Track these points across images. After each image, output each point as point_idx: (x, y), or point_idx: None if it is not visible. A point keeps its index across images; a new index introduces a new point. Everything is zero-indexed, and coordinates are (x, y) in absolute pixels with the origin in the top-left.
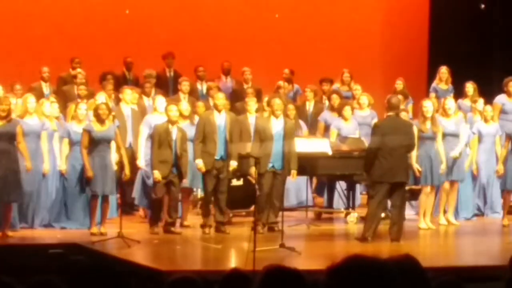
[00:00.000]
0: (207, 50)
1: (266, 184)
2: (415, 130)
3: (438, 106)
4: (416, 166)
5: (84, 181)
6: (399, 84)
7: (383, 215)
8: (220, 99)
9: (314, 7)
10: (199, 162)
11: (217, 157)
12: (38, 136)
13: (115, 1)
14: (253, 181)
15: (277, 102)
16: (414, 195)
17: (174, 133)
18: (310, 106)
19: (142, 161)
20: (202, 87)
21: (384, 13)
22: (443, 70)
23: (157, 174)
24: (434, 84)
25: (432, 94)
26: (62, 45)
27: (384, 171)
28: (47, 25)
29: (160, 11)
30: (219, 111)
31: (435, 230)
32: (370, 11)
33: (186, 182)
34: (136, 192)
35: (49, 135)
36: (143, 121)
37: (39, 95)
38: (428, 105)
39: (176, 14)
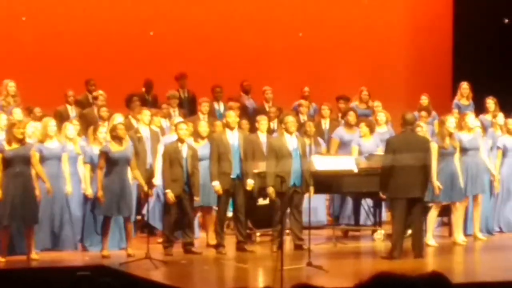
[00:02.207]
0: (227, 69)
1: (287, 202)
2: (433, 146)
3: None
4: (436, 183)
5: (97, 202)
6: (424, 100)
7: (409, 231)
8: (232, 117)
9: (338, 26)
10: (216, 184)
11: (233, 176)
12: (59, 159)
13: (138, 23)
14: (275, 200)
15: (290, 120)
16: (444, 211)
17: (185, 152)
18: (326, 124)
19: (158, 180)
20: (219, 107)
21: (408, 30)
22: (465, 86)
23: (170, 194)
24: (456, 100)
25: (455, 110)
26: (84, 67)
27: (398, 187)
28: (69, 47)
29: (180, 31)
30: (232, 129)
31: (467, 245)
32: (394, 28)
33: (198, 201)
34: (149, 211)
35: (72, 158)
36: (161, 141)
37: (65, 119)
38: (452, 121)
39: (196, 33)
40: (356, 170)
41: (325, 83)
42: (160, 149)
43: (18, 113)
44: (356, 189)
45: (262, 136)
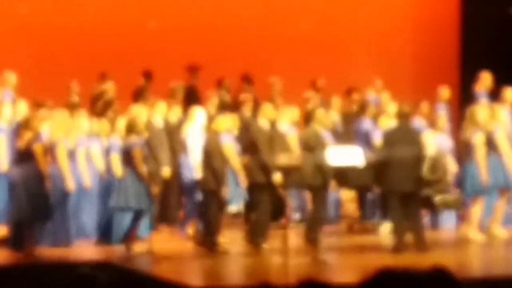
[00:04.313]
0: (231, 61)
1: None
2: (428, 138)
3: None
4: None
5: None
6: (445, 92)
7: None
8: (271, 110)
9: (342, 16)
10: (278, 177)
11: None
12: (74, 153)
13: (139, 14)
14: (283, 194)
15: (322, 113)
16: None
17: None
18: (335, 116)
19: (194, 173)
20: (228, 99)
21: (415, 21)
22: (487, 76)
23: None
24: (480, 90)
25: (484, 100)
26: (86, 59)
27: (392, 181)
28: (74, 41)
29: (183, 23)
30: (271, 122)
31: (482, 240)
32: (401, 19)
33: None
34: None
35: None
36: (188, 134)
37: (75, 110)
38: (483, 113)
39: (199, 25)
40: (363, 163)
41: (333, 75)
42: (190, 142)
43: (23, 106)
44: (362, 182)
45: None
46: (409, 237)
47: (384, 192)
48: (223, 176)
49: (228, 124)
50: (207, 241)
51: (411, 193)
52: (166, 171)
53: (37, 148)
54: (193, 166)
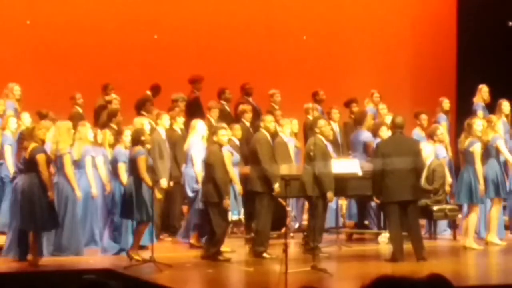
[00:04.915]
0: (233, 72)
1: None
2: (426, 149)
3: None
4: (482, 185)
5: (125, 205)
6: (446, 103)
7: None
8: (272, 121)
9: (341, 29)
10: (277, 187)
11: None
12: (80, 163)
13: (142, 26)
14: (284, 203)
15: (323, 124)
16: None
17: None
18: (335, 128)
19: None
20: (230, 109)
21: (412, 33)
22: (485, 89)
23: (229, 201)
24: (479, 103)
25: (480, 112)
26: (89, 72)
27: (389, 190)
28: (77, 52)
29: (187, 35)
30: (271, 134)
31: (480, 249)
32: (398, 31)
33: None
34: (194, 214)
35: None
36: (191, 145)
37: (79, 121)
38: (479, 123)
39: (201, 37)
40: (360, 173)
41: (332, 86)
42: (194, 153)
43: (26, 118)
44: (361, 192)
45: (285, 139)
46: (407, 246)
47: (382, 201)
48: (226, 187)
49: (227, 135)
50: (210, 251)
51: (410, 202)
52: (163, 183)
53: (40, 158)
54: (195, 177)
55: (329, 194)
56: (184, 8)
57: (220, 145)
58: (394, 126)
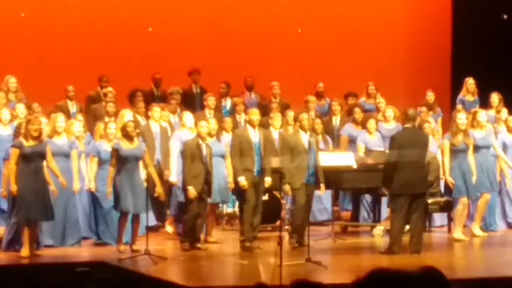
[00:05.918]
0: (232, 65)
1: (302, 198)
2: (445, 143)
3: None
4: (449, 179)
5: (117, 198)
6: (431, 96)
7: (407, 227)
8: (255, 114)
9: (336, 22)
10: (242, 180)
11: (255, 173)
12: (67, 155)
13: (140, 19)
14: (279, 196)
15: (305, 117)
16: (446, 207)
17: (204, 149)
18: (336, 121)
19: (175, 177)
20: (226, 103)
21: (407, 26)
22: (470, 82)
23: (192, 190)
24: (460, 96)
25: (459, 106)
26: (86, 64)
27: (403, 183)
28: (72, 44)
29: (184, 27)
30: (254, 127)
31: (468, 241)
32: (393, 24)
33: (211, 198)
34: (173, 208)
35: (78, 154)
36: (173, 137)
37: (65, 114)
38: (463, 117)
39: (200, 30)
40: (355, 166)
41: (331, 79)
42: (175, 145)
43: (21, 109)
44: (355, 185)
45: (275, 132)
46: (405, 239)
47: (394, 193)
48: (189, 178)
49: (211, 127)
50: (186, 240)
51: (421, 194)
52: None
53: (48, 149)
54: (175, 169)
55: (286, 187)
56: (179, 1)
57: (201, 138)
58: (407, 119)
